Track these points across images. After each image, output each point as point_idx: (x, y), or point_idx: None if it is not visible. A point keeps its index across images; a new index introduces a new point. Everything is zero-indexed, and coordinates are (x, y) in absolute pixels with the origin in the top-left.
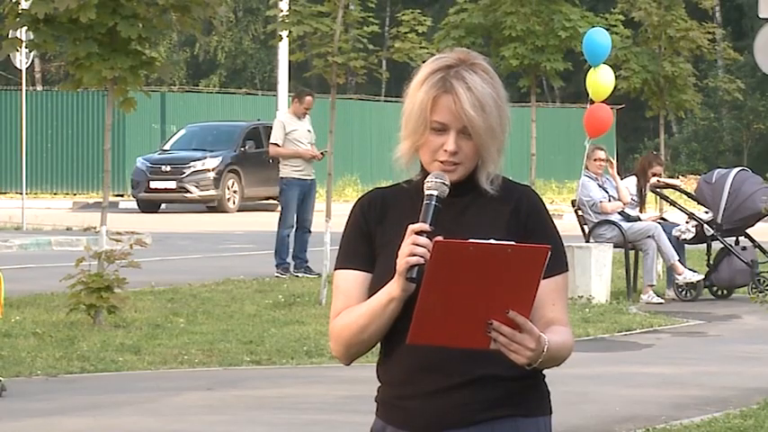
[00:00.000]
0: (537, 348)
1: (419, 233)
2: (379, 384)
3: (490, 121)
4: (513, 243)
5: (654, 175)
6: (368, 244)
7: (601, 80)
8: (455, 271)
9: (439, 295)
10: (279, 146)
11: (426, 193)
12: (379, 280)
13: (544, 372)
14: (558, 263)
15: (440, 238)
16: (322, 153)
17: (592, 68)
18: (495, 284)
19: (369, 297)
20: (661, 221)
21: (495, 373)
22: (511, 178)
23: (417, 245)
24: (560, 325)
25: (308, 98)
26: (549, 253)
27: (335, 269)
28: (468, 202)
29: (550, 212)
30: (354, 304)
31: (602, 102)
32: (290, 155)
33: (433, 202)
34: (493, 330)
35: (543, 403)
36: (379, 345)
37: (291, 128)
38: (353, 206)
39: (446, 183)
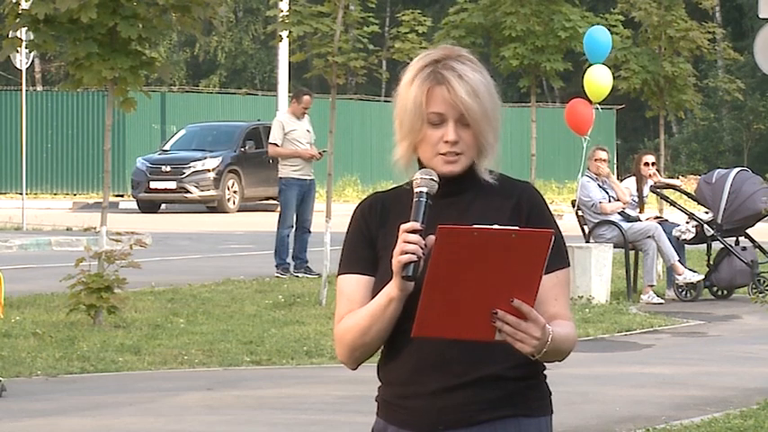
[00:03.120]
0: (542, 337)
1: (410, 231)
2: (380, 384)
3: (485, 107)
4: (516, 228)
5: (646, 164)
6: (370, 248)
7: (598, 81)
8: (459, 258)
9: (443, 284)
10: (278, 146)
11: (415, 190)
12: (382, 282)
13: (545, 372)
14: (559, 258)
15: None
16: (320, 153)
17: (589, 69)
18: (499, 271)
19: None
20: (661, 222)
21: (497, 373)
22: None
23: (409, 242)
24: (564, 319)
25: (306, 98)
26: (553, 238)
27: (338, 274)
28: (470, 199)
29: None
30: (358, 308)
31: (601, 102)
32: (289, 155)
33: (423, 199)
34: (498, 320)
35: (544, 403)
36: None
37: (290, 128)
38: (354, 211)
39: (434, 179)
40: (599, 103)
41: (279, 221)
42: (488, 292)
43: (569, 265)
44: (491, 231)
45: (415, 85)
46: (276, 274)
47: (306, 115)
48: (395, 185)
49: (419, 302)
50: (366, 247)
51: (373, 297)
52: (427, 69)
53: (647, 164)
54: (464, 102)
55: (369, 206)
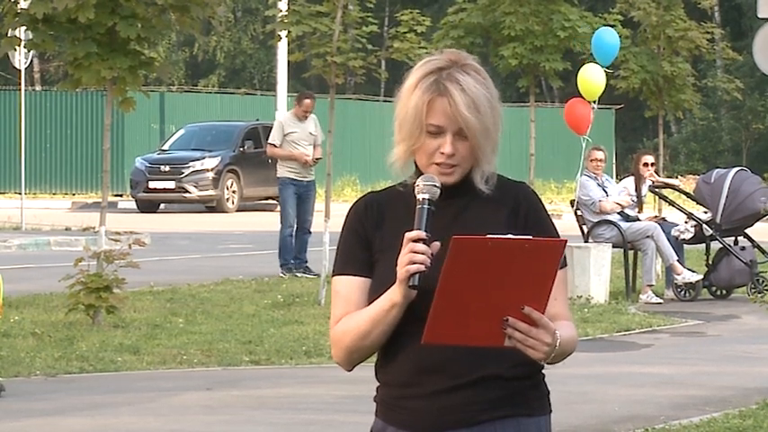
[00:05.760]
0: (552, 343)
1: (416, 240)
2: (378, 385)
3: (485, 122)
4: (530, 237)
5: (645, 165)
6: (366, 249)
7: (591, 79)
8: (472, 267)
9: (455, 293)
10: (276, 146)
11: (418, 197)
12: (379, 285)
13: (544, 371)
14: None
15: (455, 235)
16: (314, 160)
17: (582, 68)
18: (511, 280)
19: (369, 302)
20: (660, 221)
21: (497, 373)
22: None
23: (416, 252)
24: (563, 319)
25: (307, 101)
26: (565, 247)
27: (334, 275)
28: (465, 203)
29: (549, 212)
30: (354, 310)
31: (597, 100)
32: (285, 156)
33: (426, 206)
34: (508, 327)
35: (544, 403)
36: None
37: (291, 129)
38: (349, 211)
39: (437, 185)
40: (594, 102)
41: (281, 221)
42: (499, 299)
43: (567, 265)
44: (505, 241)
45: (416, 93)
46: (280, 274)
47: (309, 117)
48: (389, 186)
49: (430, 311)
50: (362, 249)
51: (370, 299)
52: (431, 77)
53: (645, 164)
54: (464, 117)
55: (364, 207)
